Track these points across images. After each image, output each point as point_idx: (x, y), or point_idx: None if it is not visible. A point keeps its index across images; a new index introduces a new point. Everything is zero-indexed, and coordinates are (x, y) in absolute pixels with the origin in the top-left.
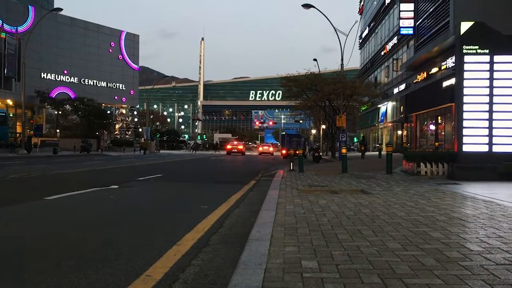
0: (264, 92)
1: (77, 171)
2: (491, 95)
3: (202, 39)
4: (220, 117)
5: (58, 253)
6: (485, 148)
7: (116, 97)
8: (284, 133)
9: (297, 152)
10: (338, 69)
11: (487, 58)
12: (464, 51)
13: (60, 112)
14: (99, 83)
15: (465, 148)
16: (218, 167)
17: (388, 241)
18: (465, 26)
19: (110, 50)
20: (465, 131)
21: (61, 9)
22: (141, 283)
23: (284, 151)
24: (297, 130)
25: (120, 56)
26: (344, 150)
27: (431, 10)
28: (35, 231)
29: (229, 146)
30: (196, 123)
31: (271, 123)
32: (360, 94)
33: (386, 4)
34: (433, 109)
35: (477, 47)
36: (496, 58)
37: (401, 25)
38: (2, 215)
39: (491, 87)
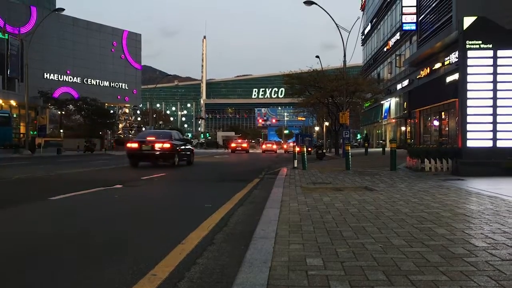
0: (267, 89)
1: (81, 171)
2: (494, 90)
3: (204, 37)
4: (223, 115)
5: (63, 252)
6: (490, 144)
7: (119, 97)
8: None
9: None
10: (340, 66)
11: (490, 53)
12: (467, 46)
13: (63, 112)
14: (102, 83)
15: (469, 143)
16: (222, 165)
17: (392, 237)
18: (468, 21)
19: (113, 50)
20: (469, 127)
21: (63, 9)
22: (147, 281)
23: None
24: (300, 128)
25: (122, 55)
26: (347, 147)
27: (433, 5)
28: (40, 231)
29: (233, 144)
30: (199, 122)
31: (274, 120)
32: (363, 91)
33: (388, 0)
34: (436, 105)
35: (480, 42)
36: (500, 53)
37: (403, 20)
38: (7, 215)
39: (494, 82)
